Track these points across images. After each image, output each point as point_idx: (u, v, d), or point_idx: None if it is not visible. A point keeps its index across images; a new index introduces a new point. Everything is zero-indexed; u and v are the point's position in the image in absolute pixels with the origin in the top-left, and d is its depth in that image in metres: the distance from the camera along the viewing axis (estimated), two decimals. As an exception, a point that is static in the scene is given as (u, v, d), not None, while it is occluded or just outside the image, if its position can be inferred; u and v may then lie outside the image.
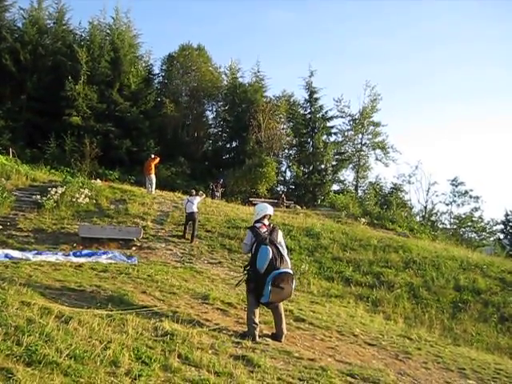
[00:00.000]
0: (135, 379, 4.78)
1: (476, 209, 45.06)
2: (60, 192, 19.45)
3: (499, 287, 16.54)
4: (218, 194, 30.27)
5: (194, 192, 18.87)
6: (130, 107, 37.41)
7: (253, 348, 6.83)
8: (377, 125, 47.82)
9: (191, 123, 44.40)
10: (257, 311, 7.56)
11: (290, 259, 7.97)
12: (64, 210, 18.72)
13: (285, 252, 7.61)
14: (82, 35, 40.82)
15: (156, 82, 45.84)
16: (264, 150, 39.10)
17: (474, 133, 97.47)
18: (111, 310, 7.14)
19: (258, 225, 7.82)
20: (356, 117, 47.73)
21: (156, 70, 46.01)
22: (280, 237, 7.82)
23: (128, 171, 32.83)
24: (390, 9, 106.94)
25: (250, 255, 7.81)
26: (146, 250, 15.92)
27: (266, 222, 7.90)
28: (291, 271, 7.52)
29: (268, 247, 7.33)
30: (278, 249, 7.45)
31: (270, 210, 8.13)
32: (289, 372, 6.11)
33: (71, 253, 14.29)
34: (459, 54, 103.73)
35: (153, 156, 24.72)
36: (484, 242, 42.82)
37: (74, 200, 19.37)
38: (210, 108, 47.61)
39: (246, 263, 7.96)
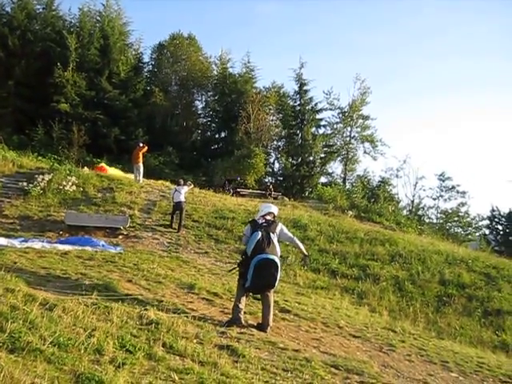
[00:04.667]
0: (119, 367, 4.76)
1: (462, 204, 45.36)
2: (47, 179, 19.34)
3: (483, 282, 16.66)
4: (229, 189, 29.97)
5: (181, 181, 18.82)
6: (118, 95, 37.29)
7: (237, 338, 6.85)
8: (366, 118, 47.85)
9: (180, 113, 44.30)
10: (243, 299, 7.67)
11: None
12: (51, 198, 18.62)
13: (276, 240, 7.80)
14: (71, 21, 40.70)
15: (145, 70, 45.77)
16: (253, 141, 39.08)
17: (461, 128, 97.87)
18: (96, 298, 7.11)
19: (257, 218, 8.05)
20: (345, 110, 47.74)
21: (146, 59, 46.02)
22: (279, 229, 7.98)
23: (116, 160, 32.67)
24: (380, 2, 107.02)
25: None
26: (133, 239, 15.89)
27: (267, 217, 8.06)
28: (277, 260, 7.56)
29: (259, 231, 7.54)
30: (268, 234, 7.60)
31: (273, 208, 8.41)
32: (273, 362, 6.13)
33: (57, 240, 14.26)
34: (446, 47, 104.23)
35: (141, 145, 24.57)
36: (470, 236, 43.09)
37: (61, 187, 19.25)
38: (200, 98, 47.61)
39: (243, 251, 8.09)
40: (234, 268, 8.19)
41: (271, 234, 7.66)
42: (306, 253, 8.94)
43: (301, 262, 9.02)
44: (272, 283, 7.73)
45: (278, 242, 7.81)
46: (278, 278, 7.69)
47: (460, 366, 8.20)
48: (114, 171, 26.10)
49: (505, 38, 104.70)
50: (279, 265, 7.63)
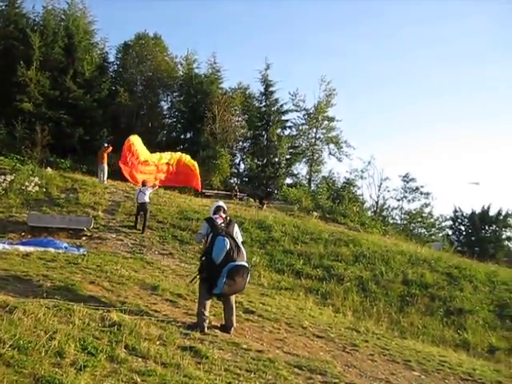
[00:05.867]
0: (80, 370, 4.73)
1: (426, 205, 46.01)
2: (9, 180, 19.04)
3: (446, 282, 16.94)
4: (265, 204, 29.28)
5: (146, 182, 18.73)
6: (83, 95, 36.78)
7: (201, 339, 6.85)
8: (331, 120, 48.16)
9: (145, 113, 43.85)
10: (208, 303, 7.62)
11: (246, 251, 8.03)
12: (13, 198, 18.35)
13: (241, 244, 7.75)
14: (35, 20, 39.87)
15: (111, 70, 45.08)
16: (218, 142, 38.96)
17: (424, 128, 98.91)
18: (58, 300, 7.03)
19: (214, 216, 7.97)
20: (311, 111, 47.99)
21: (111, 58, 45.29)
22: (236, 229, 7.93)
23: (80, 160, 32.22)
24: (345, 5, 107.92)
25: (203, 246, 7.91)
26: (97, 240, 15.74)
27: (222, 214, 8.02)
28: (247, 265, 7.60)
29: (226, 238, 7.44)
30: (235, 241, 7.56)
31: (220, 203, 8.48)
32: (236, 363, 6.16)
33: (19, 242, 14.05)
34: (410, 49, 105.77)
35: (106, 145, 24.44)
36: (433, 237, 43.78)
37: (24, 188, 18.99)
38: (165, 98, 47.13)
39: (201, 254, 8.03)
40: (196, 276, 8.08)
41: (236, 239, 7.64)
42: None
43: None
44: (243, 289, 7.79)
45: None
46: (248, 282, 7.74)
47: (422, 364, 8.36)
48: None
49: (464, 39, 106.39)
50: (249, 269, 7.69)
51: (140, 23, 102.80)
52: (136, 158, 22.88)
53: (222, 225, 7.73)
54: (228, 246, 7.34)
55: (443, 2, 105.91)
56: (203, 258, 7.76)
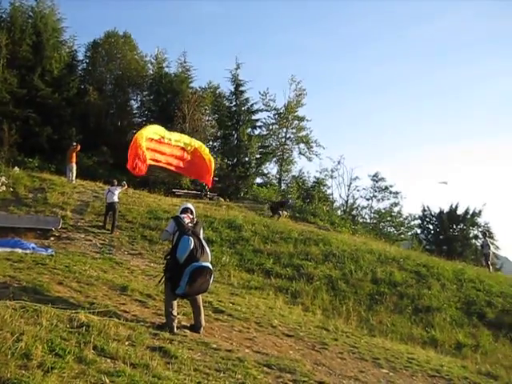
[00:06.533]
0: (48, 372, 4.67)
1: (395, 204, 46.44)
2: (-25, 179, 18.82)
3: (414, 280, 17.14)
4: (281, 213, 28.43)
5: (115, 182, 18.63)
6: (51, 93, 36.31)
7: (170, 339, 6.83)
8: (301, 119, 48.27)
9: (115, 112, 43.45)
10: (174, 303, 7.58)
11: (211, 251, 8.02)
12: (-21, 198, 18.14)
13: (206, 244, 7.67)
14: (1, 16, 39.10)
15: (80, 68, 44.44)
16: (188, 142, 38.81)
17: (392, 128, 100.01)
18: (25, 301, 6.94)
19: (182, 215, 7.92)
20: (281, 111, 48.07)
21: (80, 57, 44.58)
22: (202, 230, 7.90)
23: (48, 159, 31.83)
24: (320, 8, 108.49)
25: (170, 245, 7.86)
26: (65, 241, 15.60)
27: (189, 214, 8.00)
28: (211, 266, 7.55)
29: (190, 237, 7.38)
30: (200, 240, 7.51)
31: (189, 205, 8.45)
32: (206, 363, 6.15)
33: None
34: (382, 53, 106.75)
35: (74, 144, 24.23)
36: (402, 236, 44.21)
37: (-10, 188, 18.78)
38: (135, 97, 46.66)
39: (166, 253, 7.98)
40: (162, 277, 8.01)
41: (201, 238, 7.62)
42: None
43: None
44: (206, 289, 7.75)
45: None
46: (211, 283, 7.71)
47: (391, 362, 8.46)
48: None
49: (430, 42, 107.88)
50: (213, 270, 7.66)
51: (109, 22, 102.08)
52: (143, 162, 22.31)
53: (190, 224, 7.72)
54: (192, 246, 7.29)
55: None
56: (168, 258, 7.74)
